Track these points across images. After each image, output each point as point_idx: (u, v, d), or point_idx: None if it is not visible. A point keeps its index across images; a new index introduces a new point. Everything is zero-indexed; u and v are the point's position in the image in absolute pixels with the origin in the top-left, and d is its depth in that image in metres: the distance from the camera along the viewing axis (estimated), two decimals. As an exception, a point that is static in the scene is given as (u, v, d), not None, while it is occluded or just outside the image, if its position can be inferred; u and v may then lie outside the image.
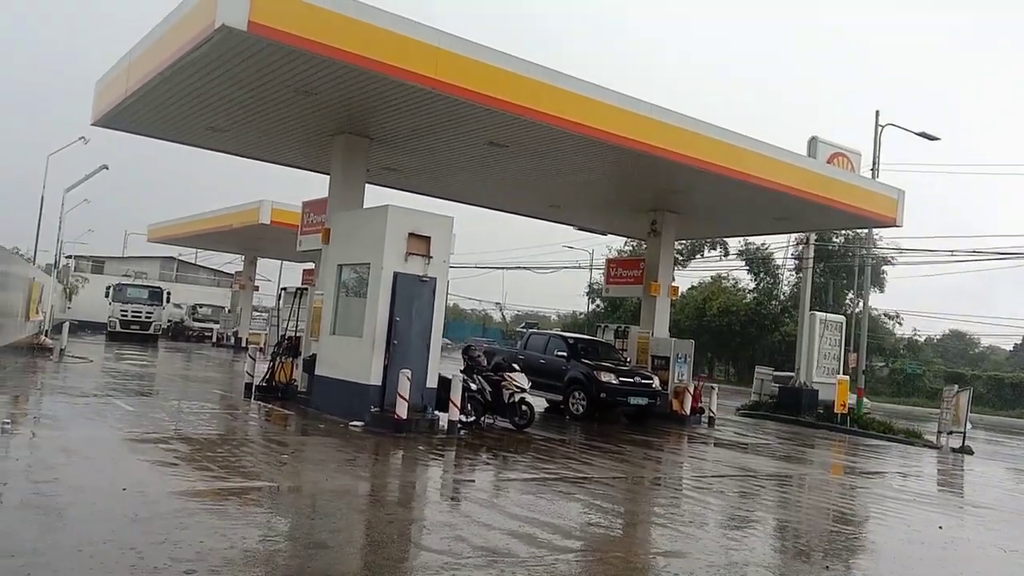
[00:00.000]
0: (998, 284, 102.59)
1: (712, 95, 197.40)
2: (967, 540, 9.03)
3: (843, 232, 40.17)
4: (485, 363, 14.95)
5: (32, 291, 20.33)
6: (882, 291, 49.26)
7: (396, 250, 13.22)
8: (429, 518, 7.54)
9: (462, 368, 14.54)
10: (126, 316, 36.55)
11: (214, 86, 13.14)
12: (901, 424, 22.12)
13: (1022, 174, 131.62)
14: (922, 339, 56.95)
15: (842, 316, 25.88)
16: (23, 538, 5.51)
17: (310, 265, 28.35)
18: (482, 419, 14.22)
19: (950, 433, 19.31)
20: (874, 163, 24.06)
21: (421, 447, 11.43)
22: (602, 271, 28.24)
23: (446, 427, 12.94)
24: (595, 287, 55.37)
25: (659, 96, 15.77)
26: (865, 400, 24.56)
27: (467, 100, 12.72)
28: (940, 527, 9.33)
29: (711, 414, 19.47)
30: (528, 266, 55.50)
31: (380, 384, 13.01)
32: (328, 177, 16.29)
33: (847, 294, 45.94)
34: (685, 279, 52.28)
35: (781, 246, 45.28)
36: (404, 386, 12.38)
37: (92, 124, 16.40)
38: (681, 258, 47.59)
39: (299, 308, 16.62)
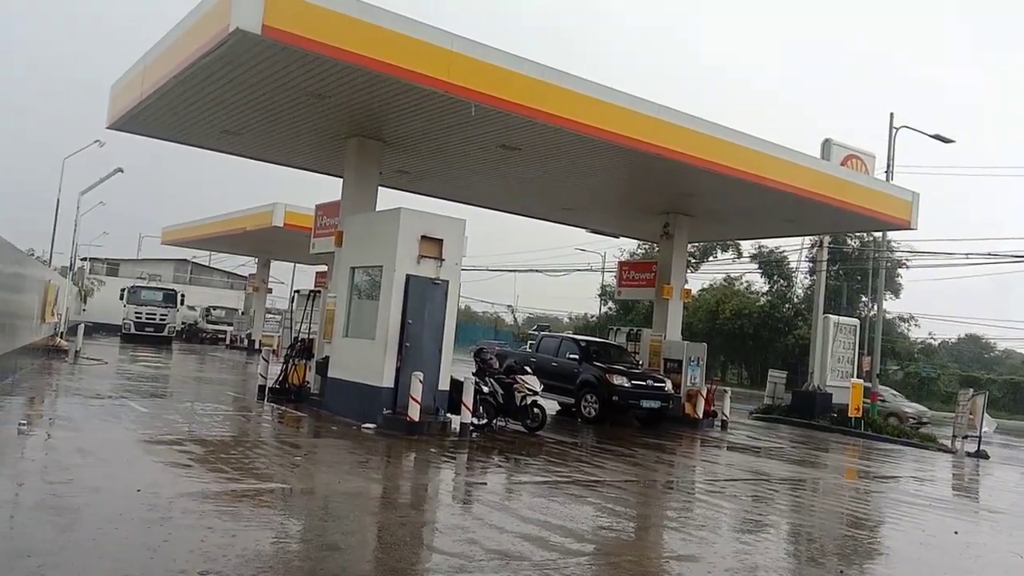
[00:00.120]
0: (1015, 287, 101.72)
1: (724, 97, 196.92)
2: (983, 545, 8.96)
3: (858, 234, 39.99)
4: (497, 366, 14.96)
5: (48, 293, 20.46)
6: (897, 296, 49.01)
7: (408, 253, 13.24)
8: (441, 520, 7.54)
9: (474, 371, 14.55)
10: (140, 318, 36.77)
11: (228, 90, 13.21)
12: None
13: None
14: (937, 343, 56.57)
15: (856, 319, 25.74)
16: (39, 538, 5.55)
17: (323, 268, 28.47)
18: (494, 422, 14.21)
19: (965, 437, 19.16)
20: (888, 165, 23.93)
21: (433, 449, 11.44)
22: (614, 274, 28.18)
23: (458, 430, 12.94)
24: (607, 289, 55.27)
25: (669, 98, 15.70)
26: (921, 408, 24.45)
27: (479, 103, 12.73)
28: (956, 532, 9.25)
29: (724, 418, 19.39)
30: (540, 269, 55.33)
31: (392, 386, 13.03)
32: (341, 180, 16.34)
33: (861, 297, 45.69)
34: (697, 281, 52.16)
35: (795, 248, 45.20)
36: (416, 388, 12.40)
37: (107, 127, 16.52)
38: (693, 260, 47.45)
39: (312, 310, 16.68)
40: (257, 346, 35.38)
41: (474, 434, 13.05)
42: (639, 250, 50.32)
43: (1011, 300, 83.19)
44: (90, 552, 5.33)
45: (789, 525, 9.10)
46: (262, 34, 10.49)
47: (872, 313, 29.26)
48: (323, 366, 15.00)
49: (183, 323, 43.95)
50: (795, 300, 51.87)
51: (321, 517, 7.20)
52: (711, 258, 51.29)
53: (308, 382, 15.88)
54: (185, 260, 61.43)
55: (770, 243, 47.24)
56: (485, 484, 9.85)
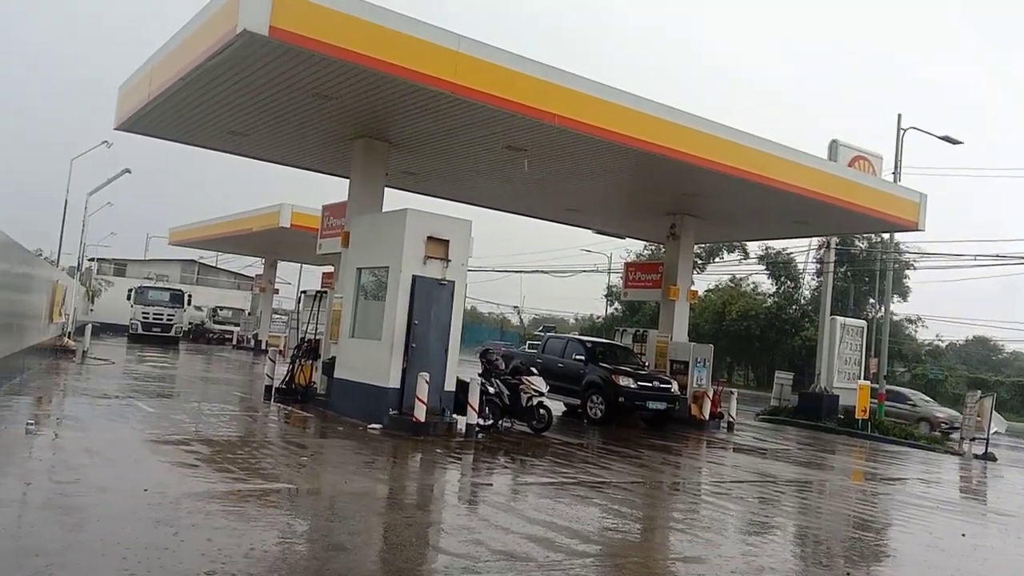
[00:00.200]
0: (1023, 289, 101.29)
1: (726, 98, 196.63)
2: (991, 548, 8.92)
3: (866, 236, 39.88)
4: (503, 366, 14.96)
5: (55, 293, 20.54)
6: (905, 300, 48.86)
7: (415, 253, 13.26)
8: (447, 521, 7.55)
9: (480, 372, 14.55)
10: (148, 318, 36.89)
11: (235, 91, 13.24)
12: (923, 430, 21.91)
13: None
14: (944, 344, 56.35)
15: (863, 321, 25.68)
16: (47, 537, 5.57)
17: (330, 268, 28.52)
18: (500, 423, 14.22)
19: (973, 439, 19.09)
20: (896, 166, 23.87)
21: (439, 450, 11.45)
22: (620, 274, 28.16)
23: (464, 430, 12.95)
24: (613, 290, 55.22)
25: (671, 98, 15.67)
26: (954, 413, 24.32)
27: (486, 104, 12.74)
28: (963, 535, 9.22)
29: (730, 419, 19.36)
30: (546, 270, 55.45)
31: (399, 387, 13.05)
32: (347, 181, 16.37)
33: (869, 299, 45.57)
34: (702, 282, 52.09)
35: (802, 250, 45.08)
36: (422, 389, 12.42)
37: (115, 128, 16.58)
38: (699, 261, 47.39)
39: (319, 311, 16.71)
40: (264, 346, 35.41)
41: (480, 435, 13.05)
42: (645, 251, 50.27)
43: (1019, 302, 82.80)
44: (97, 551, 5.35)
45: (796, 527, 9.08)
46: (269, 35, 10.51)
47: (879, 315, 29.17)
48: (329, 366, 15.02)
49: (190, 323, 44.08)
50: (802, 301, 51.75)
51: (327, 517, 7.21)
52: (717, 259, 51.25)
53: (314, 382, 15.92)
54: (192, 260, 61.60)
55: (777, 244, 47.19)
56: (491, 485, 9.85)
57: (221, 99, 13.75)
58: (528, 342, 53.30)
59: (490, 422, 13.87)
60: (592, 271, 52.13)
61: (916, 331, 52.73)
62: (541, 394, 14.27)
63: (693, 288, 21.84)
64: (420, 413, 12.38)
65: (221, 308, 48.37)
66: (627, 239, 30.21)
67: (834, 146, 21.58)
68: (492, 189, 19.85)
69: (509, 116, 13.22)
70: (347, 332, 14.62)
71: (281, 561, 5.53)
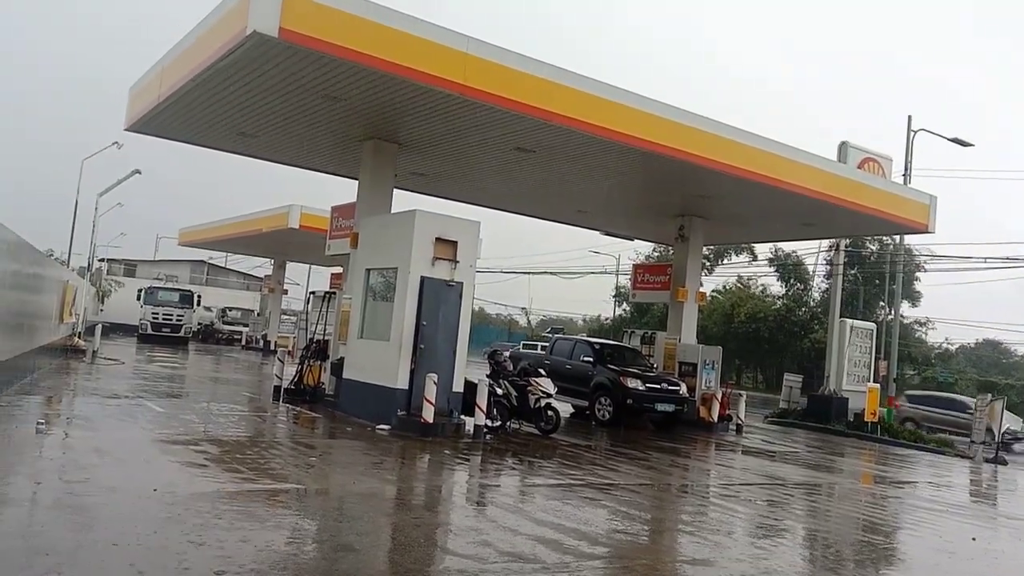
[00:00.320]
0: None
1: (738, 98, 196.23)
2: (1001, 552, 8.87)
3: (877, 238, 39.75)
4: (511, 368, 14.96)
5: (66, 294, 20.64)
6: (914, 305, 48.65)
7: (423, 255, 13.27)
8: (455, 522, 7.55)
9: (488, 373, 14.55)
10: (157, 319, 37.05)
11: (245, 92, 13.29)
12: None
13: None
14: (955, 347, 56.07)
15: (872, 323, 25.60)
16: (56, 537, 5.60)
17: (338, 269, 28.59)
18: (508, 424, 14.22)
19: (983, 443, 18.99)
20: (906, 168, 23.81)
21: (447, 451, 11.46)
22: (629, 276, 28.16)
23: (472, 431, 12.95)
24: (622, 291, 55.16)
25: (682, 100, 15.68)
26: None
27: (495, 105, 12.75)
28: (973, 538, 9.17)
29: (739, 421, 19.30)
30: (554, 271, 55.36)
31: (407, 388, 13.06)
32: (356, 182, 16.40)
33: (880, 302, 45.40)
34: (709, 283, 52.01)
35: (812, 252, 44.95)
36: (430, 390, 12.43)
37: (125, 129, 16.66)
38: (707, 263, 47.30)
39: (327, 312, 16.75)
40: (272, 347, 35.53)
41: (488, 436, 13.05)
42: (654, 253, 50.22)
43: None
44: (106, 551, 5.37)
45: (805, 530, 9.05)
46: (279, 37, 10.54)
47: (889, 317, 29.06)
48: (338, 367, 15.05)
49: (199, 324, 44.23)
50: (811, 304, 51.59)
51: (336, 518, 7.22)
52: (724, 260, 51.15)
53: (323, 383, 15.95)
54: (202, 261, 61.78)
55: (787, 246, 47.08)
56: (499, 486, 9.86)
57: (231, 100, 13.80)
58: (523, 342, 53.37)
59: (498, 423, 13.88)
60: (600, 273, 52.22)
61: (926, 334, 52.53)
62: (549, 395, 14.26)
63: (701, 290, 21.79)
64: (428, 414, 12.39)
65: (230, 309, 48.53)
66: (635, 241, 30.18)
67: (844, 148, 21.53)
68: (501, 190, 19.86)
69: (518, 117, 13.22)
70: (356, 333, 14.65)
71: (290, 561, 5.54)
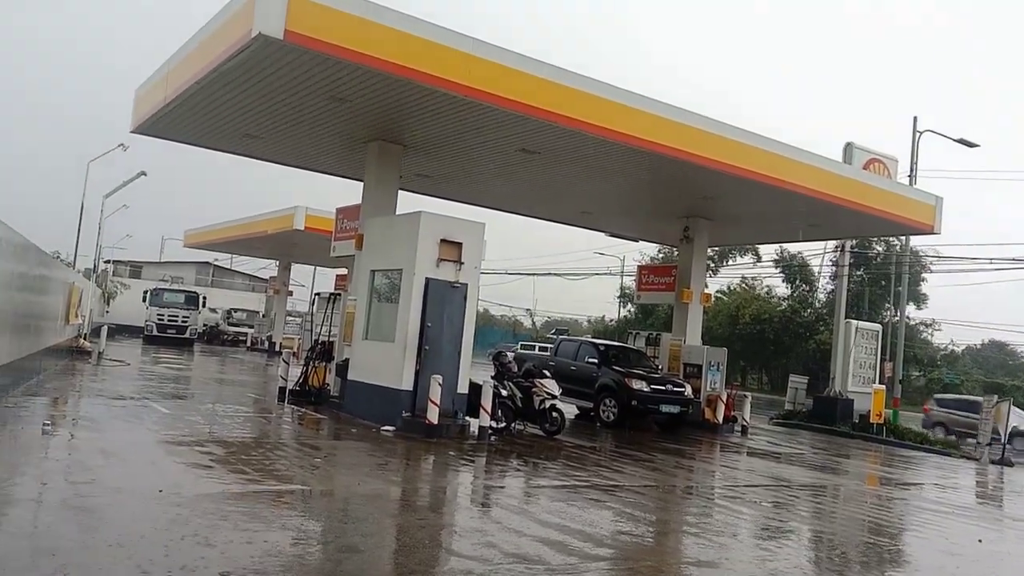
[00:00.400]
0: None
1: (744, 98, 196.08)
2: (1008, 554, 8.85)
3: (883, 239, 39.67)
4: (516, 369, 14.96)
5: (72, 295, 20.69)
6: (919, 307, 48.53)
7: (428, 256, 13.28)
8: (460, 524, 7.55)
9: (493, 374, 14.55)
10: (163, 320, 37.12)
11: (250, 94, 13.32)
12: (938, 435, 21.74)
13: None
14: (960, 349, 55.92)
15: (878, 325, 25.55)
16: (62, 537, 5.61)
17: (343, 270, 28.61)
18: (512, 425, 14.22)
19: (989, 444, 18.93)
20: (911, 169, 23.75)
21: (452, 452, 11.46)
22: (633, 277, 28.13)
23: (477, 433, 12.95)
24: (627, 292, 55.14)
25: (685, 101, 15.67)
26: None
27: (499, 106, 12.76)
28: (980, 540, 9.14)
29: (744, 423, 19.28)
30: (559, 272, 55.42)
31: (412, 389, 13.07)
32: (361, 184, 16.42)
33: (885, 304, 45.33)
34: (714, 284, 51.95)
35: (817, 253, 44.85)
36: (435, 391, 12.43)
37: (131, 131, 16.70)
38: (712, 264, 47.26)
39: (332, 313, 16.76)
40: (278, 348, 35.55)
41: (492, 437, 13.05)
42: (659, 254, 50.18)
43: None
44: (112, 551, 5.38)
45: (810, 532, 9.03)
46: (284, 39, 10.57)
47: (895, 319, 29.00)
48: (343, 368, 15.07)
49: (205, 325, 44.30)
50: (817, 305, 51.51)
51: (341, 519, 7.23)
52: (728, 262, 51.09)
53: (328, 384, 15.97)
54: (207, 263, 61.90)
55: (792, 247, 47.01)
56: (504, 488, 9.86)
57: (237, 102, 13.84)
58: (521, 343, 53.42)
59: (503, 425, 13.88)
60: (605, 274, 52.16)
61: (932, 335, 52.43)
62: (554, 397, 14.25)
63: (706, 291, 21.78)
64: (433, 415, 12.39)
65: (236, 310, 48.62)
66: (640, 242, 30.18)
67: (849, 149, 21.46)
68: (505, 191, 19.87)
69: (522, 118, 13.24)
70: (360, 334, 14.66)
71: (295, 562, 5.55)
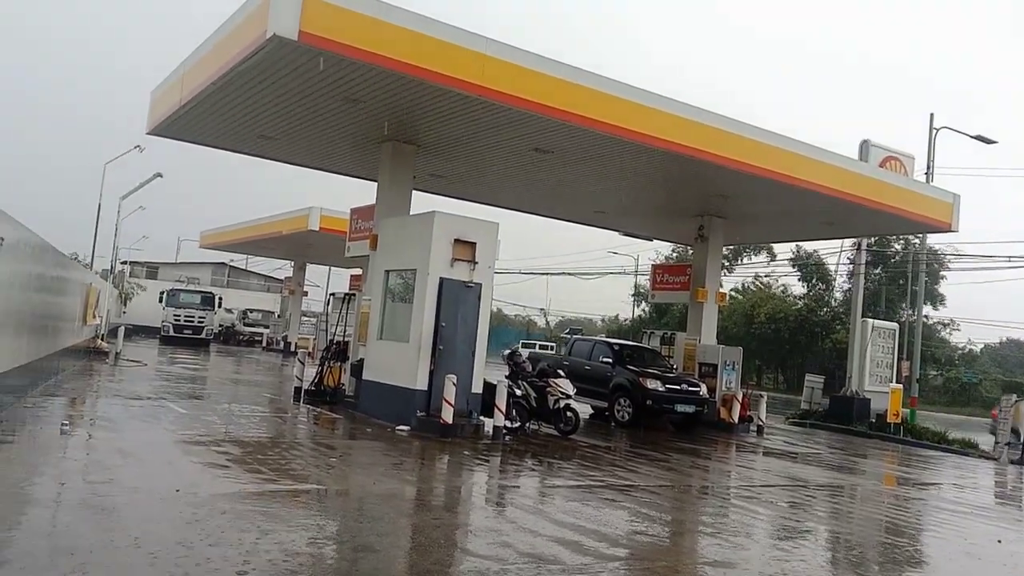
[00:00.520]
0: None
1: (759, 97, 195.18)
2: (1028, 555, 8.75)
3: (902, 237, 39.40)
4: (530, 369, 14.94)
5: (89, 296, 20.86)
6: (936, 308, 48.15)
7: (442, 256, 13.29)
8: (475, 523, 7.55)
9: (507, 374, 14.55)
10: (179, 321, 37.35)
11: (265, 96, 13.38)
12: (956, 434, 21.51)
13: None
14: (979, 348, 55.49)
15: (895, 324, 25.38)
16: (81, 536, 5.65)
17: (358, 271, 28.71)
18: (527, 425, 14.21)
19: (1008, 444, 18.74)
20: (928, 167, 23.56)
21: (466, 452, 11.47)
22: (647, 276, 28.04)
23: (491, 432, 12.95)
24: (641, 292, 55.03)
25: (699, 98, 15.58)
26: None
27: (513, 106, 12.76)
28: (999, 541, 9.06)
29: (760, 423, 19.18)
30: (573, 271, 55.35)
31: (426, 389, 13.08)
32: (375, 184, 16.46)
33: (902, 305, 45.01)
34: (728, 282, 51.74)
35: (833, 251, 44.59)
36: (450, 391, 12.44)
37: (147, 133, 16.82)
38: (726, 263, 47.08)
39: (347, 313, 16.80)
40: (293, 348, 35.71)
41: (507, 437, 13.04)
42: (673, 253, 50.03)
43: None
44: (130, 551, 5.41)
45: (827, 532, 8.97)
46: (299, 40, 10.61)
47: (912, 318, 28.79)
48: (358, 368, 15.10)
49: (220, 325, 44.56)
50: (833, 304, 51.21)
51: (356, 518, 7.25)
52: (742, 260, 50.87)
53: (343, 384, 16.01)
54: (223, 263, 62.23)
55: (808, 246, 46.77)
56: (518, 487, 9.85)
57: (251, 103, 13.90)
58: (522, 341, 53.42)
59: (517, 424, 13.87)
60: (619, 273, 52.07)
61: (951, 334, 52.04)
62: (568, 396, 14.24)
63: (721, 290, 21.69)
64: (447, 415, 12.40)
65: (251, 310, 48.86)
66: (654, 241, 30.09)
67: (865, 146, 21.34)
68: (519, 191, 19.87)
69: (536, 118, 13.23)
70: (375, 334, 14.69)
71: (311, 561, 5.57)
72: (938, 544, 8.82)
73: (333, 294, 19.49)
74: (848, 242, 29.40)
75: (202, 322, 37.83)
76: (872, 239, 33.59)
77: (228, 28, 12.26)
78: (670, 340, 21.33)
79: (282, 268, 55.38)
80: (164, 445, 10.06)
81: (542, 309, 75.66)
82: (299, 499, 7.57)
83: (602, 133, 13.71)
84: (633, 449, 14.16)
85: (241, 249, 47.72)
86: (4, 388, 10.57)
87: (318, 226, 29.42)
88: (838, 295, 51.27)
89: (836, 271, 47.86)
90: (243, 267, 64.08)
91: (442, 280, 13.25)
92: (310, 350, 21.39)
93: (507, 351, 15.04)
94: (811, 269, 50.52)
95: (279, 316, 47.00)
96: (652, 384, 16.92)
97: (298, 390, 16.57)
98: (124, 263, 49.76)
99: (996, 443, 19.15)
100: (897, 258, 43.26)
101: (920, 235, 26.30)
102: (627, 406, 17.17)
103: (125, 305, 41.20)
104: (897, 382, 22.25)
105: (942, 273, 44.91)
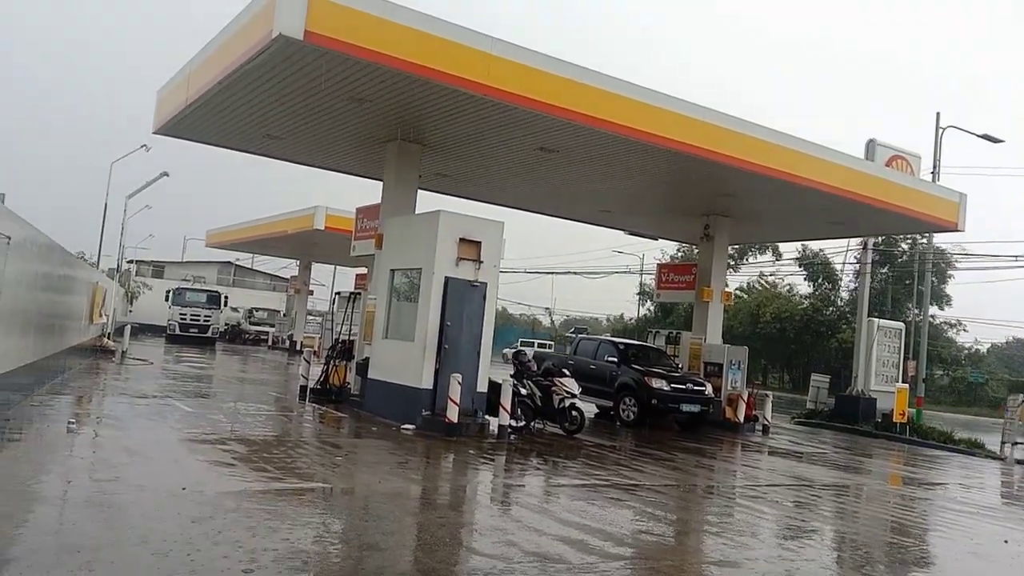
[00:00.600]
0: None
1: (764, 96, 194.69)
2: (1034, 555, 8.72)
3: (909, 237, 39.30)
4: (535, 368, 14.94)
5: (96, 295, 20.92)
6: (942, 308, 48.02)
7: (447, 255, 13.30)
8: (480, 522, 7.56)
9: (512, 373, 14.55)
10: (185, 319, 37.46)
11: (271, 95, 13.40)
12: (962, 434, 21.46)
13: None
14: (985, 348, 55.29)
15: (901, 323, 25.31)
16: (87, 534, 5.68)
17: (363, 270, 28.71)
18: (532, 424, 14.21)
19: (1015, 444, 18.69)
20: (934, 166, 23.48)
21: (471, 451, 11.47)
22: (653, 276, 28.07)
23: (496, 431, 12.96)
24: (646, 291, 54.98)
25: (705, 98, 15.57)
26: None
27: (518, 105, 12.75)
28: (1006, 541, 9.03)
29: (765, 422, 19.15)
30: (578, 271, 55.27)
31: (431, 388, 13.10)
32: (380, 184, 16.48)
33: (908, 304, 44.90)
34: (733, 281, 51.65)
35: (839, 250, 44.47)
36: (455, 390, 12.45)
37: (154, 132, 16.85)
38: (731, 262, 46.99)
39: (352, 312, 16.83)
40: (298, 347, 35.79)
41: (512, 436, 13.06)
42: (678, 252, 49.98)
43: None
44: (136, 548, 5.43)
45: (833, 532, 8.96)
46: (304, 40, 10.62)
47: (918, 317, 28.73)
48: (363, 367, 15.13)
49: (226, 324, 44.65)
50: (839, 303, 51.08)
51: (361, 517, 7.26)
52: (747, 259, 50.77)
53: (349, 383, 16.04)
54: (229, 262, 62.38)
55: (815, 245, 46.66)
56: (523, 486, 9.86)
57: (257, 103, 13.92)
58: (520, 340, 53.35)
59: (522, 423, 13.88)
60: (624, 272, 52.03)
61: (958, 333, 51.88)
62: (573, 396, 14.24)
63: (727, 289, 21.64)
64: (453, 414, 12.41)
65: (257, 309, 48.95)
66: (660, 240, 30.07)
67: (871, 145, 21.28)
68: (524, 190, 19.86)
69: (542, 117, 13.22)
70: (380, 333, 14.71)
71: (316, 559, 5.58)
72: (944, 544, 8.80)
73: (339, 293, 19.52)
74: (854, 241, 29.37)
75: (208, 321, 37.93)
76: (879, 238, 33.49)
77: (234, 28, 12.28)
78: (675, 339, 21.29)
79: (288, 267, 55.53)
80: (170, 443, 10.09)
81: (547, 308, 75.64)
82: (305, 497, 7.59)
83: (608, 132, 13.70)
84: (638, 448, 14.16)
85: (247, 248, 47.84)
86: (11, 386, 10.61)
87: (324, 225, 29.47)
88: (844, 294, 51.13)
89: (842, 270, 47.77)
90: (249, 266, 64.23)
91: (447, 279, 13.26)
92: (316, 349, 21.44)
93: (512, 350, 15.05)
94: (817, 268, 50.39)
95: (285, 315, 47.10)
96: (657, 383, 16.90)
97: (303, 389, 16.61)
98: (130, 262, 49.90)
99: (1003, 443, 19.10)
100: (904, 258, 43.14)
101: (927, 234, 26.18)
102: (632, 405, 17.15)
103: (131, 304, 41.32)
104: (903, 382, 22.19)
105: (949, 273, 44.76)
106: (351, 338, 16.57)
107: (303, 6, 10.53)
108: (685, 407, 17.07)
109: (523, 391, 14.03)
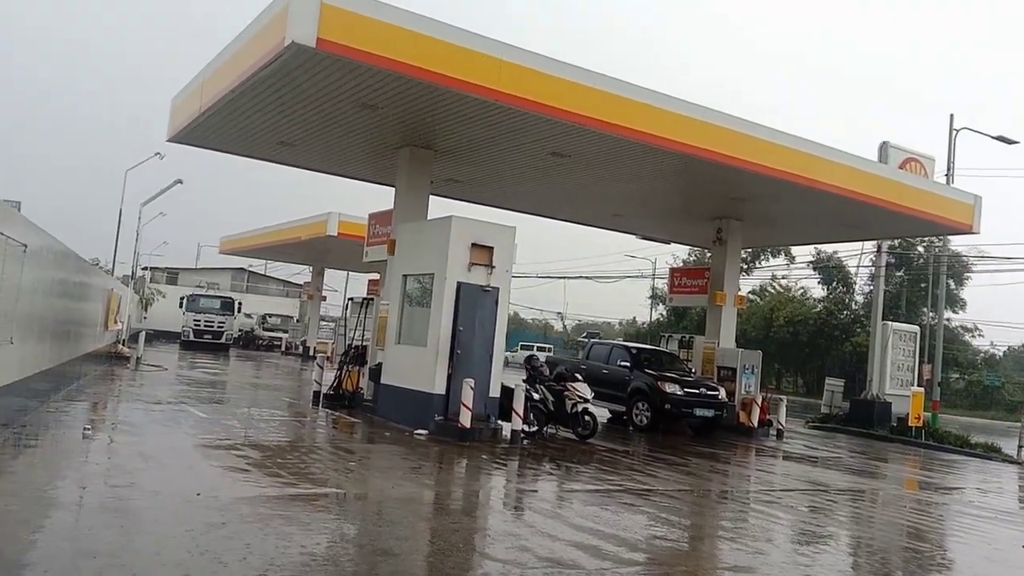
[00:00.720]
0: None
1: (765, 95, 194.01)
2: (1053, 560, 8.63)
3: (925, 240, 39.08)
4: (548, 373, 14.93)
5: (111, 301, 21.07)
6: (955, 311, 47.68)
7: (459, 260, 13.31)
8: (493, 527, 7.55)
9: (524, 378, 14.54)
10: (199, 326, 37.66)
11: (284, 102, 13.46)
12: (979, 438, 21.30)
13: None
14: (1002, 352, 54.79)
15: (916, 327, 25.15)
16: (102, 539, 5.71)
17: (376, 276, 28.77)
18: (544, 429, 14.19)
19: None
20: (949, 168, 23.34)
21: (484, 456, 11.47)
22: (665, 280, 27.98)
23: (509, 436, 12.95)
24: (658, 295, 54.86)
25: (707, 99, 15.52)
26: None
27: (530, 111, 12.76)
28: (1023, 546, 8.95)
29: (779, 427, 19.05)
30: (590, 275, 55.24)
31: (444, 393, 13.11)
32: (392, 190, 16.52)
33: (923, 309, 44.58)
34: (745, 285, 51.44)
35: (853, 254, 44.22)
36: (467, 395, 12.45)
37: (168, 140, 16.97)
38: (744, 265, 46.81)
39: (365, 318, 16.87)
40: (312, 353, 35.91)
41: (525, 441, 13.04)
42: (691, 256, 49.84)
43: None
44: (151, 554, 5.46)
45: (848, 537, 8.90)
46: (317, 47, 10.67)
47: (933, 321, 28.54)
48: (376, 373, 15.15)
49: (240, 330, 44.87)
50: (853, 306, 50.79)
51: (375, 522, 7.27)
52: (760, 262, 50.57)
53: (362, 388, 16.06)
54: (242, 269, 62.70)
55: (828, 248, 46.42)
56: (536, 491, 9.84)
57: (270, 110, 13.99)
58: (521, 343, 53.32)
59: (535, 428, 13.87)
60: (636, 276, 51.91)
61: (974, 336, 51.51)
62: (586, 400, 14.22)
63: (740, 293, 21.57)
64: (465, 419, 12.41)
65: (270, 315, 49.15)
66: (672, 244, 30.00)
67: (884, 148, 21.16)
68: (536, 195, 19.86)
69: (553, 122, 13.22)
70: (393, 339, 14.74)
71: (330, 564, 5.59)
72: (961, 549, 8.73)
73: (351, 299, 19.59)
74: (869, 244, 29.21)
75: (222, 327, 38.12)
76: (895, 241, 33.30)
77: (246, 36, 12.36)
78: (688, 343, 21.23)
79: (301, 273, 55.72)
80: (185, 449, 10.13)
81: (559, 313, 75.60)
82: (319, 503, 7.61)
83: (620, 136, 13.68)
84: (651, 453, 14.11)
85: (260, 254, 48.06)
86: (28, 392, 10.69)
87: (336, 231, 29.56)
88: (859, 298, 50.85)
89: (856, 273, 47.49)
90: (262, 272, 64.52)
91: (459, 284, 13.27)
92: (329, 354, 21.48)
93: (509, 354, 15.04)
94: (831, 272, 50.14)
95: (298, 321, 47.26)
96: (670, 388, 16.84)
97: (317, 394, 16.66)
98: (145, 269, 50.22)
99: (1020, 447, 18.92)
100: (920, 261, 42.86)
101: (942, 237, 26.03)
102: (645, 410, 17.09)
103: (146, 310, 41.59)
104: (918, 385, 22.04)
105: (966, 275, 44.43)
106: (364, 343, 16.61)
107: (315, 14, 10.59)
108: (698, 411, 17.01)
109: (536, 396, 14.02)
